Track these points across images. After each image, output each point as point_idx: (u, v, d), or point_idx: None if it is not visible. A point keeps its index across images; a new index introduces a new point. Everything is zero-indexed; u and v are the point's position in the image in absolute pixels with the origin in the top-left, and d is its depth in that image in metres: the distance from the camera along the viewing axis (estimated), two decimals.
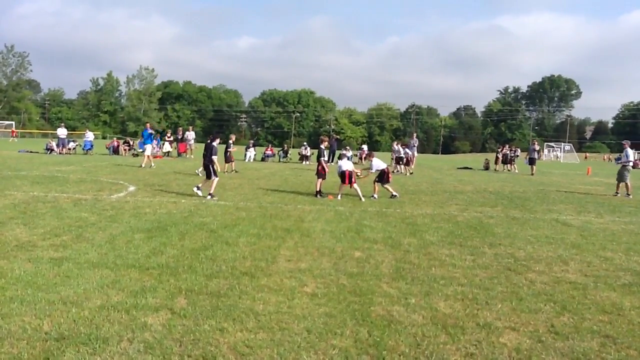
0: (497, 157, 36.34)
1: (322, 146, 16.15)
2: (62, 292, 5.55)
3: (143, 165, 23.66)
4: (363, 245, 8.63)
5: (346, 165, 15.20)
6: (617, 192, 18.97)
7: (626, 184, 18.66)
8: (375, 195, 15.09)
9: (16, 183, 15.17)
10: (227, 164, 22.66)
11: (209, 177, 14.05)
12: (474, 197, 16.56)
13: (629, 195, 18.41)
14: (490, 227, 10.90)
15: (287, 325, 4.88)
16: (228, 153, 22.75)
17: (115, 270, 6.46)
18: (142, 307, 5.18)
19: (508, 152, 35.89)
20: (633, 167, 23.68)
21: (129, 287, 5.81)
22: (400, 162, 28.08)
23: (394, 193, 15.37)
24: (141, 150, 34.08)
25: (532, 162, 32.28)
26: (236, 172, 23.15)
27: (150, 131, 26.42)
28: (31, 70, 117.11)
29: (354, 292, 5.99)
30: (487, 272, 7.18)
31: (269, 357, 4.23)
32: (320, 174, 15.65)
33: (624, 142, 20.92)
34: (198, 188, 13.93)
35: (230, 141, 23.92)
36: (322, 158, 15.90)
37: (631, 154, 19.80)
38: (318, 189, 15.29)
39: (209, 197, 13.41)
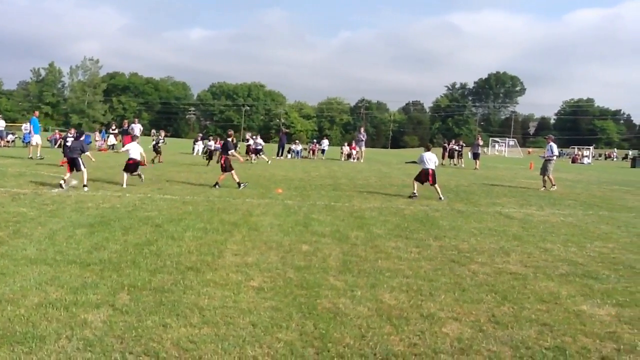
0: (444, 152, 37.06)
1: (229, 139, 16.67)
2: None
3: (31, 156, 23.11)
4: (311, 238, 8.64)
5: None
6: (544, 186, 19.08)
7: (549, 177, 19.06)
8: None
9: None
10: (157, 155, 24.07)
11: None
12: (421, 191, 16.83)
13: (554, 186, 18.94)
14: (436, 220, 11.11)
15: (232, 320, 4.84)
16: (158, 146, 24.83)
17: (55, 267, 6.25)
18: (82, 304, 5.03)
19: (455, 146, 36.68)
20: (573, 161, 24.46)
21: (69, 284, 5.63)
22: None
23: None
24: (27, 142, 33.02)
25: (476, 156, 33.02)
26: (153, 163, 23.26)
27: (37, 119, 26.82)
28: None
29: (301, 286, 6.00)
30: (431, 264, 7.32)
31: (213, 352, 4.19)
32: (225, 167, 15.62)
33: (547, 137, 21.18)
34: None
35: (161, 137, 26.83)
36: (230, 151, 15.98)
37: (555, 148, 20.03)
38: (219, 181, 15.50)
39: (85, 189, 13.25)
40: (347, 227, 9.83)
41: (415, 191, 14.91)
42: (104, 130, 38.36)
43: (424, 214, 11.86)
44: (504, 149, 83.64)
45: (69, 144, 15.08)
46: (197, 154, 34.65)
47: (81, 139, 15.14)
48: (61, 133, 37.96)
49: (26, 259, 6.52)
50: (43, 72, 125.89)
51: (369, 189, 16.67)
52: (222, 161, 15.78)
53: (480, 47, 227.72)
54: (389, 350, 4.39)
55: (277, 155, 36.30)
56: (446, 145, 37.90)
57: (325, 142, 42.80)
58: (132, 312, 4.90)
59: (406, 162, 37.21)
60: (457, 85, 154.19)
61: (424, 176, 14.89)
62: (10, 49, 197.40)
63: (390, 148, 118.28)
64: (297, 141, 44.02)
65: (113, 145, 34.85)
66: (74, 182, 13.76)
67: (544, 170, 19.24)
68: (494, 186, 19.92)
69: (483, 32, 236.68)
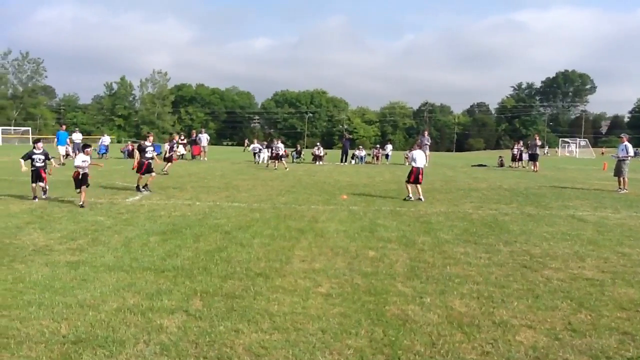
0: (513, 154, 36.08)
1: (147, 142, 16.57)
2: (79, 295, 5.61)
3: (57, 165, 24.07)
4: (377, 244, 8.61)
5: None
6: (619, 188, 18.25)
7: (623, 179, 18.23)
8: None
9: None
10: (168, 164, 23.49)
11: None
12: (489, 195, 16.46)
13: (625, 189, 18.03)
14: (506, 224, 10.83)
15: (302, 326, 4.89)
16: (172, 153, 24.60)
17: (131, 273, 6.51)
18: (157, 310, 5.22)
19: (522, 148, 35.56)
20: None
21: (145, 290, 5.85)
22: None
23: None
24: (102, 154, 35.32)
25: (533, 157, 30.95)
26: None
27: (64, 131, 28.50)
28: (46, 77, 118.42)
29: (369, 292, 5.98)
30: (502, 269, 7.14)
31: (284, 357, 4.24)
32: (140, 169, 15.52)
33: (620, 136, 20.18)
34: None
35: (175, 140, 26.75)
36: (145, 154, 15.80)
37: (630, 148, 18.93)
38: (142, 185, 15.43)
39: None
40: (413, 232, 9.73)
41: (410, 194, 14.75)
42: (174, 141, 39.55)
43: (493, 218, 11.58)
44: (575, 150, 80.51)
45: (148, 155, 15.61)
46: (263, 161, 35.25)
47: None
48: (134, 144, 39.45)
49: (105, 266, 6.82)
50: (115, 86, 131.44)
51: (434, 194, 16.43)
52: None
53: (546, 45, 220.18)
54: (461, 358, 4.32)
55: (341, 162, 36.40)
56: (513, 147, 36.82)
57: (389, 147, 42.58)
58: (205, 318, 5.03)
59: (472, 166, 36.47)
60: (524, 85, 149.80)
61: (413, 175, 14.76)
62: (85, 65, 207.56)
63: (455, 151, 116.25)
64: (360, 147, 43.96)
65: (182, 155, 35.94)
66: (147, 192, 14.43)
67: (618, 171, 18.39)
68: (565, 188, 19.20)
69: (549, 30, 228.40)
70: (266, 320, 5.03)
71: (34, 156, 12.85)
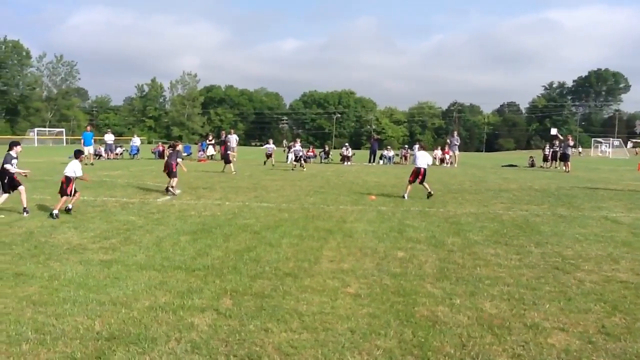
0: (544, 154, 35.47)
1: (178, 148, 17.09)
2: (111, 293, 5.72)
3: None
4: (406, 245, 8.58)
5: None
6: None
7: None
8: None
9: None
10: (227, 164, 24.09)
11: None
12: (519, 195, 16.24)
13: None
14: (537, 225, 10.67)
15: (331, 326, 4.91)
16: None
17: (162, 272, 6.62)
18: (188, 308, 5.29)
19: (557, 149, 34.87)
20: None
21: (176, 288, 5.94)
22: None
23: None
24: (133, 154, 36.31)
25: (565, 157, 30.29)
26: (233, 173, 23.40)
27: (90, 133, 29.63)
28: (79, 79, 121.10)
29: (398, 293, 5.97)
30: (534, 271, 7.04)
31: (313, 357, 4.26)
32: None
33: None
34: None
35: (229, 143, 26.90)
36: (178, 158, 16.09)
37: None
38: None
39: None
40: (442, 233, 9.66)
41: (406, 194, 15.01)
42: (203, 142, 40.04)
43: (524, 219, 11.42)
44: (608, 150, 78.82)
45: (177, 159, 15.83)
46: (291, 161, 35.36)
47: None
48: (164, 145, 39.99)
49: (137, 265, 6.94)
50: (146, 88, 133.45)
51: (463, 194, 16.29)
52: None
53: (578, 44, 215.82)
54: None
55: (369, 162, 36.32)
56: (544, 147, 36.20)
57: (417, 147, 42.27)
58: (235, 317, 5.08)
59: (502, 166, 36.00)
60: (555, 85, 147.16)
61: (415, 175, 15.10)
62: (117, 66, 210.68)
63: (485, 151, 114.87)
64: (388, 147, 43.79)
65: (212, 155, 36.32)
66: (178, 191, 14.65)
67: None
68: (598, 189, 18.81)
69: (581, 28, 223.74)
70: (295, 319, 5.06)
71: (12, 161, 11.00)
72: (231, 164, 24.04)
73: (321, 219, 10.99)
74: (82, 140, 31.50)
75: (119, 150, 38.24)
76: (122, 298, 5.56)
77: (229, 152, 25.42)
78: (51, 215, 10.45)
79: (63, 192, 10.89)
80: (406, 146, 44.05)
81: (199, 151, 38.49)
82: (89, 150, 30.24)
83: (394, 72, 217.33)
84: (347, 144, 39.75)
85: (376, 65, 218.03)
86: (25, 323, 4.79)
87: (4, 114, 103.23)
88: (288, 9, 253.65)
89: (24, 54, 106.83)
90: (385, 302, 5.64)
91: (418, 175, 15.03)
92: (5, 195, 10.95)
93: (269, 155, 31.76)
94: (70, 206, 11.04)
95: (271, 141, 33.43)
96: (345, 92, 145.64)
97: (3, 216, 10.38)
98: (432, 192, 14.87)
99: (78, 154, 11.83)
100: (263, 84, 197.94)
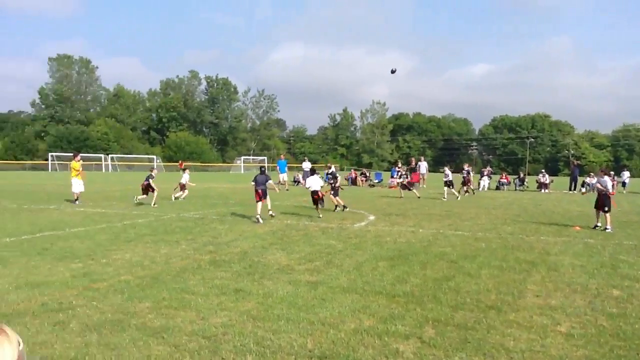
0: None
1: (328, 171, 18.11)
2: (319, 313, 6.04)
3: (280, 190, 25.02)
4: (621, 283, 7.80)
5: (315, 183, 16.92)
6: None
7: None
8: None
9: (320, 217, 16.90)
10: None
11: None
12: None
13: None
14: None
15: None
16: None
17: (364, 296, 6.82)
18: (392, 334, 5.38)
19: None
20: None
21: (378, 313, 6.08)
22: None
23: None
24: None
25: None
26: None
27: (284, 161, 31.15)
28: (278, 111, 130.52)
29: (617, 336, 5.44)
30: None
31: None
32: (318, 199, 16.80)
33: None
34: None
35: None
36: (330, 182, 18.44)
37: None
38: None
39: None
40: None
41: (597, 222, 14.27)
42: (393, 168, 40.60)
43: None
44: None
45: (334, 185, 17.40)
46: (483, 188, 34.28)
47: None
48: (356, 172, 41.42)
49: (340, 287, 7.25)
50: (338, 117, 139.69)
51: None
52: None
53: None
54: None
55: (569, 190, 33.76)
56: None
57: (626, 173, 38.28)
58: (439, 347, 5.05)
59: None
60: None
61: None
62: (311, 98, 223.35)
63: None
64: (591, 174, 40.24)
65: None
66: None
67: None
68: None
69: None
70: (502, 355, 4.87)
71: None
72: (414, 189, 24.39)
73: (521, 250, 10.48)
74: (277, 167, 33.98)
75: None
76: (329, 319, 5.84)
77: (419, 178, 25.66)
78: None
79: (315, 202, 16.14)
80: (612, 173, 40.12)
81: (390, 178, 39.03)
82: (283, 177, 32.50)
83: (593, 92, 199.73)
84: (543, 170, 37.45)
85: (573, 85, 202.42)
86: (247, 335, 5.27)
87: (215, 144, 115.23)
88: (479, 33, 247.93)
89: (232, 89, 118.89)
90: (603, 345, 5.17)
91: (604, 202, 13.98)
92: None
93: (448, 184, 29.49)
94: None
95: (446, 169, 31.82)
96: (539, 116, 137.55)
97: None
98: (607, 228, 13.61)
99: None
100: (451, 110, 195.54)
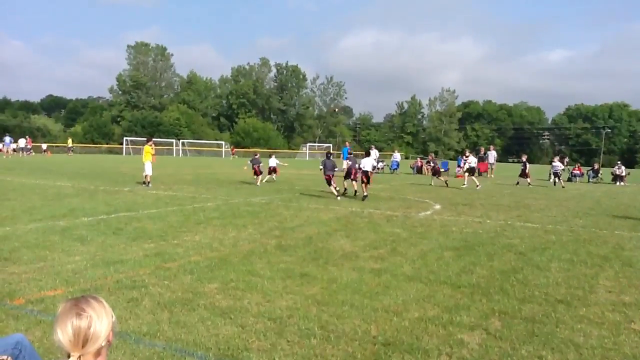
0: None
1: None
2: (383, 300, 6.07)
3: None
4: None
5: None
6: None
7: None
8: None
9: (337, 200, 17.07)
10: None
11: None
12: None
13: None
14: None
15: None
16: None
17: (429, 285, 6.79)
18: (457, 324, 5.34)
19: None
20: None
21: (443, 303, 6.04)
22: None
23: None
24: (393, 169, 37.12)
25: None
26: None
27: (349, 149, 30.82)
28: (346, 97, 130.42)
29: None
30: None
31: None
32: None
33: None
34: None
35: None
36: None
37: None
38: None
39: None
40: None
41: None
42: (459, 157, 39.89)
43: None
44: None
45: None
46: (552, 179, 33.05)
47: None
48: (422, 160, 40.96)
49: (404, 276, 7.24)
50: (406, 105, 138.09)
51: None
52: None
53: None
54: None
55: None
56: None
57: None
58: (506, 339, 4.97)
59: None
60: None
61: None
62: (381, 85, 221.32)
63: None
64: None
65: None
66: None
67: None
68: None
69: None
70: (571, 350, 4.75)
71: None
72: (474, 177, 24.64)
73: (594, 244, 10.11)
74: (341, 155, 34.12)
75: (380, 165, 40.23)
76: (393, 307, 5.86)
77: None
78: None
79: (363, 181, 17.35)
80: None
81: (457, 167, 38.41)
82: (345, 164, 32.80)
83: None
84: (619, 162, 35.79)
85: None
86: (312, 320, 5.36)
87: (282, 130, 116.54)
88: (559, 17, 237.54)
89: (301, 77, 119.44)
90: None
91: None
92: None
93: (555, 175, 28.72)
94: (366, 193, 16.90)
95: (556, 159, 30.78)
96: (617, 105, 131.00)
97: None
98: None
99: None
100: (523, 97, 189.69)
